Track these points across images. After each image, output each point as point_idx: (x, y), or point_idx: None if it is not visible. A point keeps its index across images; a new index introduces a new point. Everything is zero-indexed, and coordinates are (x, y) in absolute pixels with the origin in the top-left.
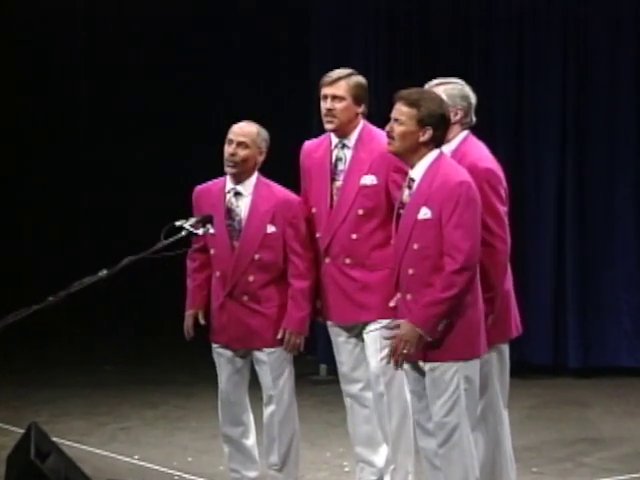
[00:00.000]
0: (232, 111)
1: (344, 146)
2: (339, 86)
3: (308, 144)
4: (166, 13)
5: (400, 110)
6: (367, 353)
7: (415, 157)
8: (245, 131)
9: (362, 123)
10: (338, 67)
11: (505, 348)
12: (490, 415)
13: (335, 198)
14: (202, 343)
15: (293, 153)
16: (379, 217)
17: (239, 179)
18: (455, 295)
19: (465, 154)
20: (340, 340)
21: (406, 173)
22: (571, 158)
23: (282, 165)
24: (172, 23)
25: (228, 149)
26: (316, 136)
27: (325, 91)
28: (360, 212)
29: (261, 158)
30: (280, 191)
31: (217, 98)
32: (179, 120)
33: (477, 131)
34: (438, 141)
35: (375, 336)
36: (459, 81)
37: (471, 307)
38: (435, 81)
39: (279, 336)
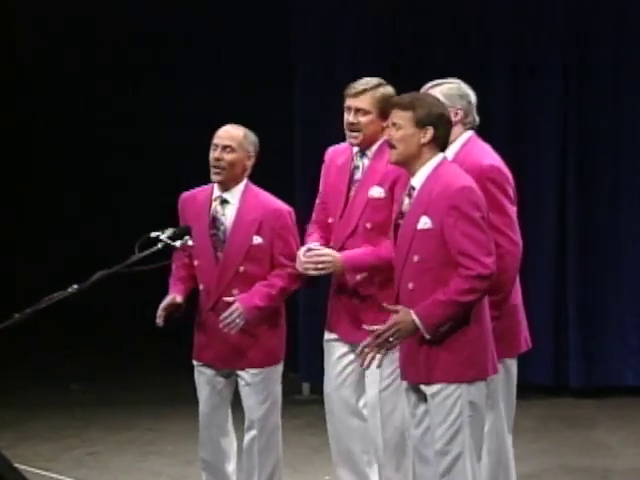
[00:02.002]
0: (208, 117)
1: (364, 155)
2: (364, 99)
3: (332, 150)
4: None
5: (396, 115)
6: (366, 381)
7: (418, 162)
8: (231, 134)
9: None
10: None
11: (512, 364)
12: (494, 441)
13: (347, 209)
14: (178, 358)
15: (275, 159)
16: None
17: (227, 186)
18: (472, 302)
19: (468, 154)
20: (335, 356)
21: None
22: (572, 162)
23: (266, 172)
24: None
25: (213, 154)
26: (307, 142)
27: (349, 103)
28: (368, 225)
29: (250, 163)
30: (269, 200)
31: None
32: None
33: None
34: (441, 142)
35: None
36: (456, 80)
37: (477, 323)
38: (430, 83)
39: (228, 299)
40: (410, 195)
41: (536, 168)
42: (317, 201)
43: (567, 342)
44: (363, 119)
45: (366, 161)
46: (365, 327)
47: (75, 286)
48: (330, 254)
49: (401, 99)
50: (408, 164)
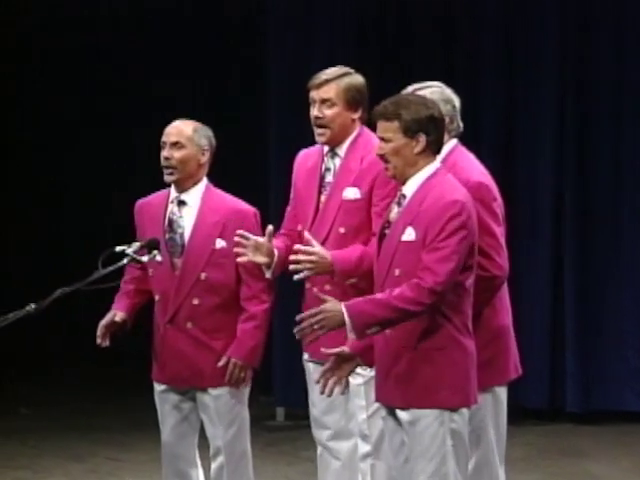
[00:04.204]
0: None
1: (335, 155)
2: (328, 89)
3: (302, 154)
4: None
5: (382, 127)
6: (354, 406)
7: (412, 171)
8: (179, 129)
9: (358, 130)
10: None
11: (502, 391)
12: (485, 474)
13: (319, 214)
14: (138, 380)
15: (247, 162)
16: (364, 235)
17: (183, 187)
18: (411, 313)
19: (453, 166)
20: (314, 379)
21: (394, 187)
22: (569, 174)
23: (234, 175)
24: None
25: (163, 153)
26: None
27: (312, 94)
28: (342, 230)
29: (204, 159)
30: (232, 201)
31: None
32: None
33: (461, 140)
34: (436, 146)
35: (360, 390)
36: (438, 84)
37: (459, 347)
38: (411, 87)
39: (220, 364)
40: (400, 203)
41: (530, 180)
42: (287, 209)
43: (564, 363)
44: (329, 112)
45: (338, 161)
46: (323, 350)
47: (33, 305)
48: (318, 252)
49: (384, 109)
50: (404, 175)
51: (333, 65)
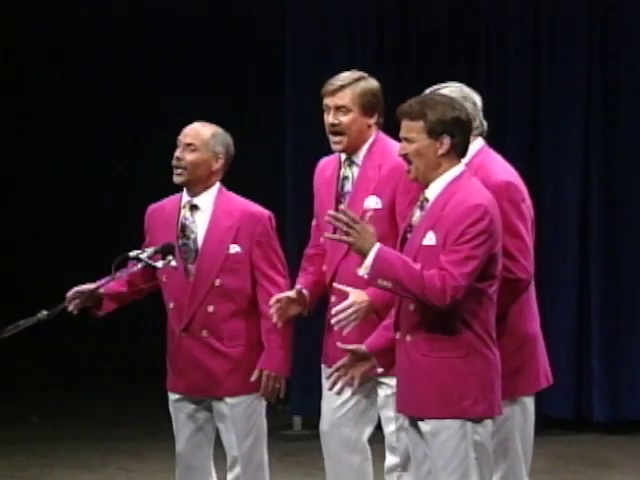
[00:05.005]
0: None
1: (352, 163)
2: (343, 95)
3: (321, 162)
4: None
5: (406, 127)
6: (382, 419)
7: (435, 174)
8: (196, 131)
9: (374, 136)
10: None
11: (530, 402)
12: None
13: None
14: (151, 388)
15: (264, 170)
16: (388, 246)
17: (195, 191)
18: (428, 300)
19: (480, 167)
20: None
21: (416, 194)
22: (596, 175)
23: (253, 182)
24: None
25: (176, 152)
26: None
27: (327, 101)
28: None
29: (218, 165)
30: (246, 204)
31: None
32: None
33: (486, 139)
34: (461, 149)
35: (388, 402)
36: (456, 84)
37: (481, 357)
38: (429, 90)
39: (253, 378)
40: (422, 207)
41: (555, 188)
42: (313, 223)
43: (590, 371)
44: (344, 118)
45: (355, 169)
46: (339, 345)
47: (44, 312)
48: (353, 304)
49: (409, 108)
50: (427, 178)
51: (352, 68)
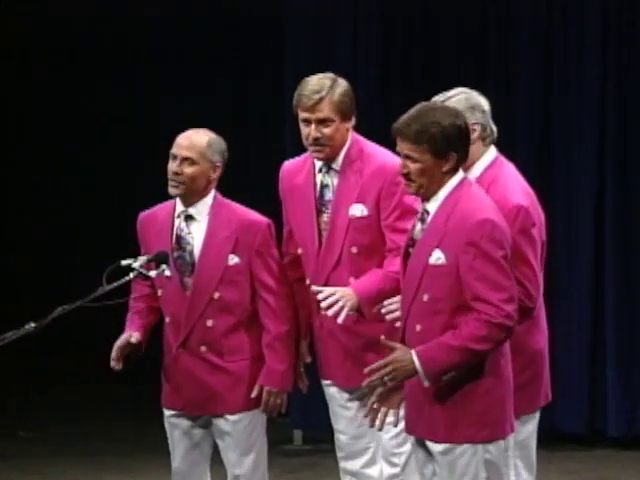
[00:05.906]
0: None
1: (330, 169)
2: (322, 108)
3: (287, 165)
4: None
5: (407, 148)
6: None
7: (437, 188)
8: (192, 143)
9: (350, 139)
10: (314, 73)
11: (527, 420)
12: None
13: (324, 234)
14: (147, 402)
15: (268, 173)
16: (380, 254)
17: (190, 201)
18: (484, 352)
19: (493, 182)
20: (339, 404)
21: (400, 197)
22: (611, 180)
23: (253, 183)
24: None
25: (171, 166)
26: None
27: (306, 116)
28: (354, 250)
29: (215, 175)
30: (244, 212)
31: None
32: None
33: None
34: (464, 160)
35: None
36: (461, 90)
37: (494, 373)
38: (434, 99)
39: (253, 394)
40: (423, 220)
41: (568, 190)
42: (285, 230)
43: (605, 383)
44: (327, 130)
45: (335, 177)
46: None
47: (32, 324)
48: (338, 291)
49: (408, 129)
50: (429, 193)
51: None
